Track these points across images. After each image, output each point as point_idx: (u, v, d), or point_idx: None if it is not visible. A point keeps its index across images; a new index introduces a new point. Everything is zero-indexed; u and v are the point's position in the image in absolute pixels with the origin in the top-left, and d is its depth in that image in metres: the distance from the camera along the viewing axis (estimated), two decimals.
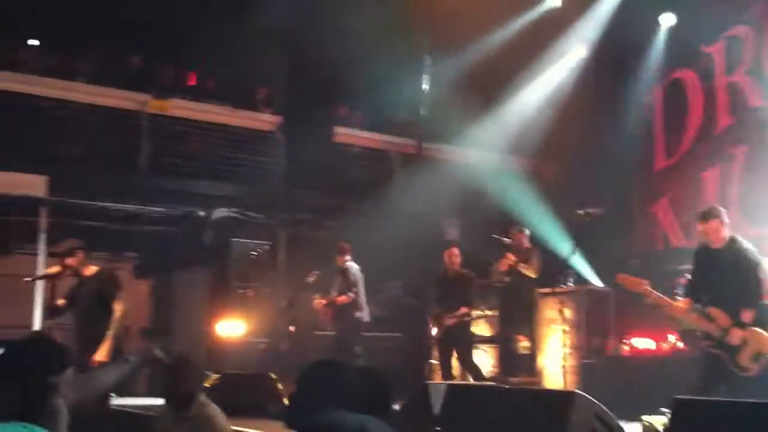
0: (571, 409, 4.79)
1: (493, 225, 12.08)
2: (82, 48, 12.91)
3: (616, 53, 12.35)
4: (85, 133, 12.06)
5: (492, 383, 9.35)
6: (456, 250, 10.14)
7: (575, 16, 12.56)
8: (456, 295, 9.83)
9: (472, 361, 9.84)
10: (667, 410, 4.29)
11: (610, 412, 5.01)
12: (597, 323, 9.69)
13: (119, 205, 11.52)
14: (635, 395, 7.50)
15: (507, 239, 11.03)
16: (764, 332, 6.51)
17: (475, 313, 10.28)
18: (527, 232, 10.43)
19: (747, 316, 6.46)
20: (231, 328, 10.65)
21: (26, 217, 11.23)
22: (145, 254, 13.37)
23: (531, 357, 10.24)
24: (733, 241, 6.63)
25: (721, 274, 6.57)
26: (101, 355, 6.72)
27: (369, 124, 14.08)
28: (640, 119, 12.21)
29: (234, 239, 11.21)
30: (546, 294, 10.00)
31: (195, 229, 12.19)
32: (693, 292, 6.82)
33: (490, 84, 12.63)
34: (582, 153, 12.24)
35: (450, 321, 9.70)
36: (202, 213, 11.94)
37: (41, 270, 10.84)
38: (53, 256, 7.26)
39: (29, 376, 2.88)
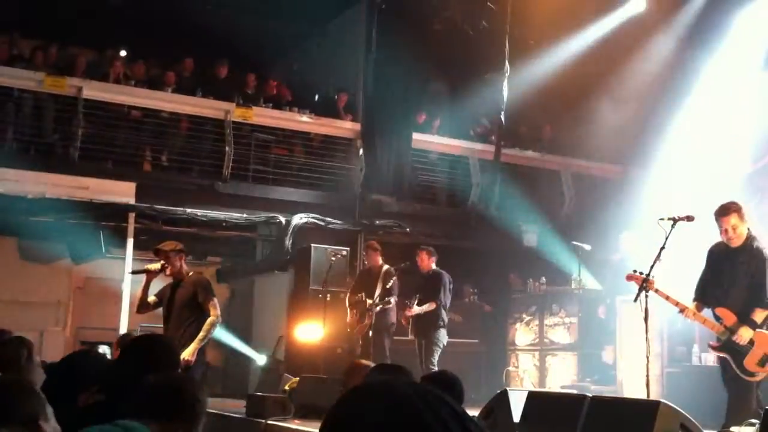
0: (656, 418, 4.73)
1: (573, 231, 11.97)
2: (169, 58, 13.31)
3: (694, 52, 12.07)
4: (171, 141, 12.43)
5: (574, 392, 9.24)
6: (424, 254, 9.95)
7: (660, 19, 12.33)
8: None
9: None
10: (756, 421, 4.17)
11: (695, 422, 4.92)
12: (680, 331, 9.48)
13: (203, 211, 11.80)
14: (722, 405, 7.32)
15: (587, 246, 10.93)
16: None
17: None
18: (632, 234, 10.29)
19: (758, 315, 6.19)
20: (309, 332, 10.77)
21: (115, 222, 11.61)
22: (228, 259, 13.69)
23: (612, 365, 10.08)
24: (751, 238, 6.38)
25: (733, 273, 6.34)
26: (188, 354, 6.90)
27: (448, 130, 14.09)
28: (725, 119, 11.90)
29: (314, 245, 11.34)
30: (627, 300, 9.83)
31: (276, 234, 12.41)
32: (702, 293, 6.57)
33: (573, 90, 12.53)
34: (666, 156, 11.99)
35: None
36: (283, 219, 12.12)
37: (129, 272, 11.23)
38: (156, 253, 7.44)
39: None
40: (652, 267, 6.52)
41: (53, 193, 10.96)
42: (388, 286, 9.63)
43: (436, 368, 9.37)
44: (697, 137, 11.59)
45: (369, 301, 9.69)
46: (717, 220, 6.38)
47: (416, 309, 9.65)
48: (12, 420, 2.28)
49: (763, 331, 6.22)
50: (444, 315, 9.76)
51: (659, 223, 6.56)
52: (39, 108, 11.74)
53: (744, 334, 6.15)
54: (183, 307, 7.22)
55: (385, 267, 9.92)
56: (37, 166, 11.10)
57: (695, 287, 6.77)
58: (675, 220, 6.46)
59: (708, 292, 6.52)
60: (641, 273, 6.55)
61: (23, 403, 2.39)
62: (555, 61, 12.67)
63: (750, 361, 6.16)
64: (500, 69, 12.05)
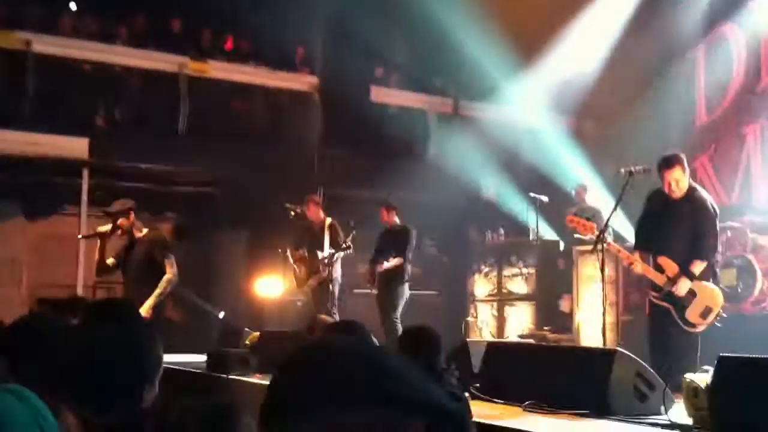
0: (612, 366, 4.83)
1: (531, 184, 12.06)
2: (122, 11, 13.00)
3: (663, 5, 12.11)
4: (125, 96, 12.20)
5: (532, 341, 9.40)
6: (384, 209, 9.98)
7: None
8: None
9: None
10: (710, 368, 4.28)
11: (651, 370, 5.04)
12: (635, 280, 9.66)
13: (159, 166, 11.65)
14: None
15: (544, 198, 11.03)
16: (714, 287, 6.32)
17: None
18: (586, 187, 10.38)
19: (697, 267, 6.22)
20: (270, 286, 10.78)
21: (69, 178, 11.43)
22: (185, 215, 13.57)
23: (569, 314, 10.26)
24: (693, 189, 6.37)
25: (675, 223, 6.33)
26: (145, 310, 6.87)
27: (406, 84, 14.02)
28: (681, 74, 12.02)
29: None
30: (585, 251, 9.98)
31: (233, 190, 12.31)
32: (643, 240, 6.54)
33: (529, 39, 12.48)
34: (622, 109, 12.09)
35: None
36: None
37: (85, 230, 11.08)
38: (106, 215, 7.36)
39: None
40: (608, 219, 6.59)
41: (5, 150, 10.73)
42: (337, 238, 9.61)
43: (399, 322, 9.45)
44: (652, 87, 11.70)
45: (321, 254, 9.64)
46: (660, 172, 6.32)
47: (386, 264, 9.66)
48: None
49: (704, 282, 6.26)
50: (408, 269, 9.80)
51: (616, 175, 6.61)
52: None
53: (682, 286, 6.18)
54: (139, 267, 7.15)
55: (329, 220, 9.87)
56: None
57: (635, 234, 6.78)
58: (631, 173, 6.51)
59: (649, 240, 6.50)
60: (581, 217, 6.61)
61: None
62: (513, 10, 12.58)
63: (692, 313, 6.21)
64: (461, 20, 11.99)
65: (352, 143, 12.83)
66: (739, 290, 8.36)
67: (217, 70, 12.49)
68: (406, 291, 9.77)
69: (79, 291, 11.22)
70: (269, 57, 13.47)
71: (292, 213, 10.67)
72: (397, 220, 9.91)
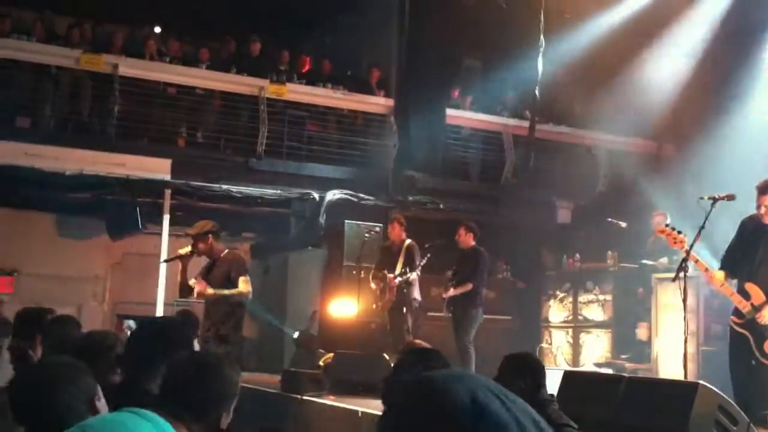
0: (694, 399, 4.70)
1: (607, 208, 11.88)
2: (203, 35, 13.36)
3: (739, 30, 11.86)
4: (205, 118, 12.51)
5: (609, 370, 9.23)
6: (463, 229, 9.88)
7: None
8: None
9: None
10: None
11: (734, 403, 4.90)
12: (717, 310, 9.41)
13: (238, 187, 11.88)
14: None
15: (622, 222, 10.84)
16: None
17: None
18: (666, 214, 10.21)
19: None
20: (343, 308, 10.83)
21: (152, 198, 11.74)
22: (262, 235, 13.78)
23: (646, 342, 10.04)
24: None
25: (765, 250, 6.21)
26: (208, 292, 7.19)
27: (482, 106, 14.00)
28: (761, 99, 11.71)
29: (347, 221, 11.38)
30: (664, 279, 9.77)
31: (310, 211, 12.46)
32: (731, 264, 6.43)
33: (608, 64, 12.36)
34: (704, 135, 11.82)
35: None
36: (316, 195, 12.17)
37: (166, 248, 11.36)
38: (187, 236, 7.55)
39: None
40: (692, 245, 6.44)
41: (90, 170, 11.10)
42: (409, 261, 9.61)
43: (471, 346, 9.40)
44: (739, 114, 11.42)
45: (390, 276, 9.68)
46: (757, 193, 6.28)
47: (452, 291, 9.62)
48: (78, 399, 2.39)
49: None
50: (481, 294, 9.74)
51: (699, 203, 6.48)
52: (76, 86, 11.86)
53: (766, 314, 6.05)
54: (219, 286, 7.32)
55: (408, 241, 9.89)
56: (75, 143, 11.26)
57: (723, 256, 6.66)
58: (715, 200, 6.37)
59: (737, 264, 6.39)
60: (673, 228, 6.50)
61: (85, 382, 2.50)
62: (590, 34, 12.50)
63: None
64: (535, 43, 11.92)
65: (426, 165, 12.85)
66: None
67: (294, 93, 12.68)
68: (479, 315, 9.70)
69: (159, 309, 11.48)
70: (345, 79, 13.63)
71: (366, 235, 10.75)
72: (473, 242, 9.86)
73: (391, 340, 9.78)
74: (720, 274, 6.35)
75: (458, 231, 9.93)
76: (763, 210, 6.20)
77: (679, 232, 6.47)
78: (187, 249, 7.44)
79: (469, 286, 9.55)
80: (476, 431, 1.07)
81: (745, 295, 6.20)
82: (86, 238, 12.87)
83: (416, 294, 9.78)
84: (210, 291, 7.21)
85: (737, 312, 6.23)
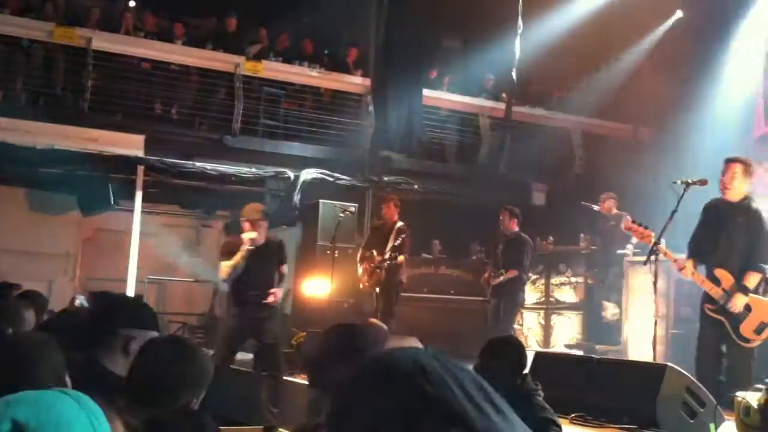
0: (662, 381, 4.76)
1: (582, 190, 11.93)
2: (179, 10, 13.19)
3: (715, 14, 11.90)
4: (181, 94, 12.38)
5: (579, 351, 9.31)
6: (507, 214, 9.91)
7: None
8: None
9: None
10: (762, 386, 4.19)
11: (701, 386, 4.95)
12: (687, 293, 9.50)
13: (212, 165, 11.79)
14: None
15: (595, 206, 10.88)
16: None
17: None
18: (615, 197, 10.27)
19: (751, 279, 6.11)
20: (317, 287, 10.82)
21: (125, 174, 11.62)
22: (236, 213, 13.70)
23: (616, 324, 10.12)
24: (748, 199, 6.29)
25: (731, 233, 6.24)
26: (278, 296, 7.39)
27: (459, 87, 13.99)
28: (739, 83, 11.78)
29: (322, 200, 11.34)
30: (636, 262, 9.84)
31: (285, 189, 12.40)
32: (697, 251, 6.45)
33: (584, 48, 12.38)
34: (679, 118, 11.89)
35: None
36: (291, 174, 12.11)
37: (138, 225, 11.28)
38: (247, 221, 7.29)
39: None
40: (663, 229, 6.47)
41: (62, 145, 10.94)
42: (397, 243, 9.60)
43: (512, 330, 9.50)
44: (711, 99, 11.49)
45: (378, 257, 9.68)
46: (724, 163, 6.31)
47: (501, 278, 9.55)
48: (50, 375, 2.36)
49: (759, 297, 6.14)
50: (524, 280, 9.85)
51: (672, 187, 6.51)
52: (49, 59, 11.68)
53: (738, 302, 6.08)
54: (271, 268, 7.33)
55: (399, 224, 9.88)
56: (47, 118, 11.07)
57: (689, 243, 6.67)
58: (688, 184, 6.39)
59: (703, 250, 6.42)
60: (640, 224, 6.53)
61: (56, 358, 2.46)
62: (569, 18, 12.51)
63: (746, 328, 6.10)
64: (514, 26, 11.91)
65: (402, 145, 12.82)
66: None
67: (271, 70, 12.59)
68: (522, 299, 9.92)
69: (130, 286, 11.40)
70: (322, 57, 13.54)
71: (341, 214, 10.72)
72: (516, 227, 9.81)
73: (365, 320, 9.77)
74: (689, 263, 6.38)
75: (501, 214, 9.87)
76: (726, 182, 6.22)
77: (646, 227, 6.50)
78: (253, 234, 7.22)
79: (515, 273, 9.51)
80: (415, 386, 1.11)
81: (716, 281, 6.24)
82: (57, 214, 12.74)
83: (403, 277, 9.81)
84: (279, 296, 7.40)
85: (710, 299, 6.26)
